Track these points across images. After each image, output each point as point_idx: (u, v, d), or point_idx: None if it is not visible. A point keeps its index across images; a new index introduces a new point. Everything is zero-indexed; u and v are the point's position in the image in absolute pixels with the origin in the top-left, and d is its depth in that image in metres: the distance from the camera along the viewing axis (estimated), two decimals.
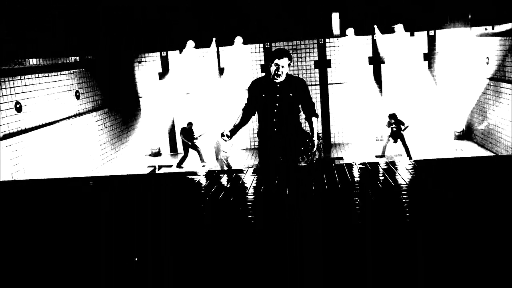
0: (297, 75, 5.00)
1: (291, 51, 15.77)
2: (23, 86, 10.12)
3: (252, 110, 4.92)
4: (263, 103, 4.74)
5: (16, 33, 9.99)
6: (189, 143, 14.05)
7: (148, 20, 15.35)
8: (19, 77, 10.01)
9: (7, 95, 9.60)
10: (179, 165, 14.30)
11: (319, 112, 15.51)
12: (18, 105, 9.89)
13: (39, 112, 10.61)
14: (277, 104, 4.66)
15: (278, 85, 4.67)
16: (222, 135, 4.83)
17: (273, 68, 4.60)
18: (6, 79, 9.62)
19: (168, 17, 15.41)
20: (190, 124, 14.10)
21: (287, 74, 4.69)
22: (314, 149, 4.77)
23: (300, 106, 4.84)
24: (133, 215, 4.24)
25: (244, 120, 4.94)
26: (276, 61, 4.56)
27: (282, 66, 4.56)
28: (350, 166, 5.50)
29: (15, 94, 9.84)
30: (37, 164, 10.22)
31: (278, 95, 4.66)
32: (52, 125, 11.05)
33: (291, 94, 4.67)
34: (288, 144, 4.80)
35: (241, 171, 5.62)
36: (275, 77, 4.62)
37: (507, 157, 10.07)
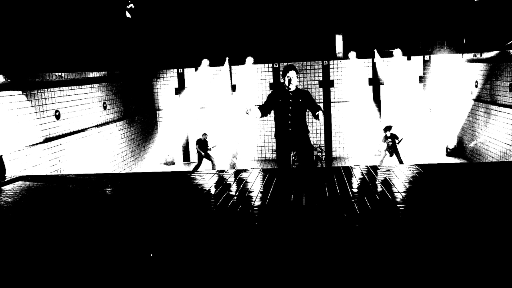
0: (306, 89, 6.85)
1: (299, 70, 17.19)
2: (61, 96, 11.48)
3: (267, 109, 6.39)
4: (280, 107, 6.25)
5: (56, 49, 11.41)
6: (203, 153, 15.32)
7: (167, 39, 16.84)
8: (58, 88, 11.38)
9: (48, 104, 10.96)
10: (192, 172, 15.53)
11: (322, 126, 16.87)
12: (57, 113, 11.24)
13: (74, 119, 11.96)
14: (290, 108, 6.19)
15: (290, 94, 6.23)
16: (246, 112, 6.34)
17: (286, 80, 6.22)
18: (48, 90, 10.98)
19: (186, 37, 16.89)
20: (205, 135, 15.40)
21: (296, 86, 6.28)
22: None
23: (307, 110, 6.34)
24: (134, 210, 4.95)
25: (257, 112, 6.37)
26: (288, 73, 6.18)
27: (292, 78, 6.18)
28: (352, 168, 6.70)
29: (55, 103, 11.20)
30: (70, 165, 11.53)
31: (291, 101, 6.22)
32: (84, 131, 12.38)
33: (300, 100, 6.24)
34: (299, 142, 6.33)
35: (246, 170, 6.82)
36: (289, 86, 6.19)
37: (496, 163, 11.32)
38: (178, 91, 17.54)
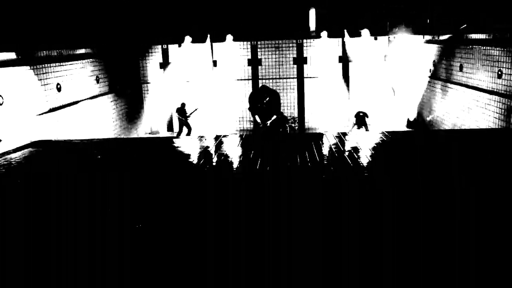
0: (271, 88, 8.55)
1: (273, 48, 18.61)
2: (61, 71, 12.72)
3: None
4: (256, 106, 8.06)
5: (54, 27, 12.61)
6: (183, 119, 16.82)
7: (153, 16, 17.98)
8: (59, 63, 12.60)
9: (51, 77, 12.20)
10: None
11: (295, 100, 18.42)
12: (58, 86, 12.49)
13: (72, 92, 13.22)
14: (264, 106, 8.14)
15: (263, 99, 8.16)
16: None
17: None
18: (50, 65, 12.21)
19: (170, 14, 18.04)
20: (183, 104, 16.92)
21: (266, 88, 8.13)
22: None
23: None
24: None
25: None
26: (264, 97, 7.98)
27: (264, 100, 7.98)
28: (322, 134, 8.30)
29: (56, 77, 12.45)
30: (71, 133, 12.85)
31: (263, 101, 8.28)
32: (80, 102, 13.66)
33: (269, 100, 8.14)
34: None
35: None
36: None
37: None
38: (163, 66, 18.78)
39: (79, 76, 13.75)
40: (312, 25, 18.41)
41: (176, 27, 18.13)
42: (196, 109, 17.00)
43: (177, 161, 6.01)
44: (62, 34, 13.03)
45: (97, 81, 14.94)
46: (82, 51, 14.09)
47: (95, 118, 14.59)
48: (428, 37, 16.83)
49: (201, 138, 7.94)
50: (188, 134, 16.96)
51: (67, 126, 12.76)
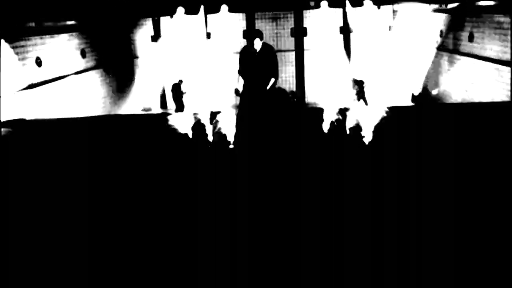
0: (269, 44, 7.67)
1: (270, 19, 17.62)
2: (42, 44, 11.80)
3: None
4: (246, 65, 7.11)
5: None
6: (178, 96, 16.02)
7: None
8: (39, 36, 11.68)
9: (30, 51, 11.30)
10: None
11: (294, 74, 17.52)
12: (39, 60, 11.59)
13: (55, 67, 12.32)
14: (255, 66, 7.11)
15: (256, 54, 7.10)
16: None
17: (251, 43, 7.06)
18: (29, 38, 11.29)
19: None
20: (180, 81, 16.04)
21: (263, 44, 7.12)
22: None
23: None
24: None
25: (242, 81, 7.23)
26: (253, 41, 7.02)
27: (255, 44, 7.06)
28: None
29: (36, 51, 11.54)
30: (53, 111, 12.00)
31: (255, 59, 7.08)
32: (64, 78, 12.77)
33: (265, 58, 7.13)
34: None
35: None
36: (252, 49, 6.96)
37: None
38: (154, 38, 17.80)
39: (63, 50, 12.84)
40: None
41: None
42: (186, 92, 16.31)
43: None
44: (43, 5, 12.06)
45: (83, 56, 14.02)
46: (66, 23, 13.13)
47: (81, 95, 13.72)
48: (435, 6, 15.83)
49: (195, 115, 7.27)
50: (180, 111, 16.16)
51: (49, 103, 11.90)
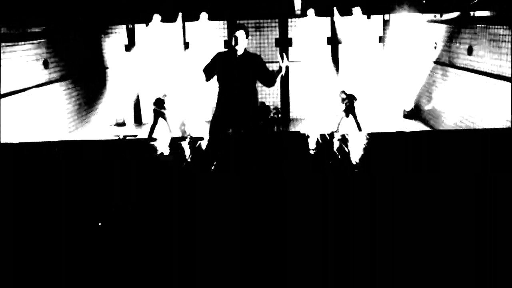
0: (255, 52, 5.81)
1: (254, 28, 16.45)
2: None
3: (209, 74, 5.51)
4: (224, 72, 5.42)
5: None
6: (161, 111, 14.58)
7: None
8: None
9: None
10: (149, 136, 14.86)
11: (278, 88, 16.33)
12: None
13: (8, 79, 10.97)
14: (235, 72, 5.35)
15: (237, 56, 5.38)
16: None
17: (233, 40, 5.37)
18: None
19: None
20: (164, 96, 14.61)
21: (245, 50, 5.41)
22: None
23: (259, 78, 5.53)
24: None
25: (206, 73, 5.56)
26: (235, 34, 5.31)
27: (239, 38, 5.29)
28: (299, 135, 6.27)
29: None
30: (4, 131, 10.64)
31: (237, 64, 5.36)
32: (21, 93, 11.43)
33: (247, 64, 5.38)
34: (243, 117, 5.51)
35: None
36: (235, 46, 5.32)
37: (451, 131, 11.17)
38: (128, 48, 16.55)
39: (19, 60, 11.49)
40: (298, 2, 16.29)
41: (143, 4, 15.87)
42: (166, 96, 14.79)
43: None
44: None
45: (46, 66, 12.68)
46: (26, 30, 11.81)
47: (43, 110, 12.37)
48: (429, 16, 14.82)
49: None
50: (169, 130, 14.84)
51: (4, 121, 10.54)
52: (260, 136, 5.57)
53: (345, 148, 5.30)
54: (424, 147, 5.37)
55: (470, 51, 12.27)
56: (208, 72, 5.53)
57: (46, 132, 12.38)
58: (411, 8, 15.70)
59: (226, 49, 5.61)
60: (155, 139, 6.43)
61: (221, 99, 5.57)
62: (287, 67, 5.39)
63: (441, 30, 14.08)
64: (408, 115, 16.32)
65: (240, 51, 5.37)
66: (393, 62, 16.42)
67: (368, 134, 6.12)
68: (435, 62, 14.51)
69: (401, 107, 16.48)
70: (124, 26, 16.44)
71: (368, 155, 5.08)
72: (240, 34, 5.31)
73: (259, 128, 5.70)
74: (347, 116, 14.30)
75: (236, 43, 5.30)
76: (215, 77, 5.58)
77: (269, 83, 5.55)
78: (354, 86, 15.79)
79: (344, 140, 5.74)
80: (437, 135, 7.56)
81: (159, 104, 14.60)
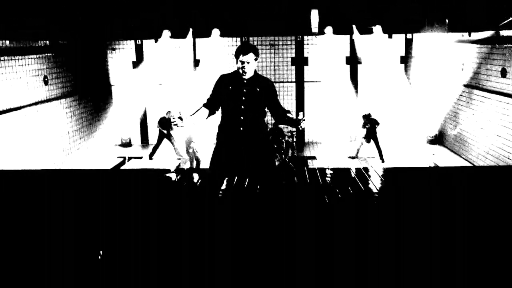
0: (263, 75, 4.75)
1: (268, 46, 15.58)
2: None
3: (214, 105, 4.67)
4: (229, 97, 4.52)
5: None
6: (165, 132, 13.75)
7: (123, 6, 14.93)
8: None
9: None
10: (150, 156, 14.01)
11: (294, 109, 15.38)
12: None
13: (4, 97, 10.16)
14: (243, 98, 4.45)
15: (245, 81, 4.48)
16: (180, 118, 4.55)
17: (238, 65, 4.43)
18: None
19: (145, 4, 15.01)
20: (169, 113, 13.77)
21: (255, 72, 4.54)
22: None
23: (267, 108, 4.65)
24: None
25: (202, 114, 4.68)
26: (241, 57, 4.38)
27: (248, 63, 4.38)
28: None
29: None
30: (4, 151, 9.79)
31: (245, 90, 4.46)
32: (17, 111, 10.60)
33: (258, 89, 4.48)
34: (253, 146, 4.57)
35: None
36: (242, 74, 4.44)
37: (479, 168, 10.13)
38: (136, 64, 15.75)
39: (16, 76, 10.68)
40: (315, 20, 15.45)
41: (153, 19, 15.09)
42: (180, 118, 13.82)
43: None
44: None
45: (46, 83, 11.88)
46: (25, 44, 11.04)
47: (43, 129, 11.52)
48: (457, 36, 13.85)
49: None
50: (177, 153, 13.96)
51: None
52: (272, 181, 4.44)
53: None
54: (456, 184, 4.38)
55: (503, 73, 11.26)
56: (213, 102, 4.65)
57: (44, 154, 11.50)
58: (435, 27, 14.81)
59: (233, 71, 4.64)
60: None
61: (224, 131, 4.66)
62: (299, 123, 4.34)
63: (470, 51, 13.10)
64: (433, 140, 15.27)
65: (248, 75, 4.48)
66: (416, 84, 15.43)
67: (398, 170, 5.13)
68: (463, 84, 13.50)
69: (425, 132, 15.42)
70: (132, 42, 15.66)
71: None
72: (249, 57, 4.39)
73: (271, 168, 4.70)
74: (368, 141, 13.32)
75: (244, 71, 4.42)
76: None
77: (277, 119, 4.63)
78: (375, 109, 14.80)
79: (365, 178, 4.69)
80: (472, 172, 6.48)
81: (164, 124, 13.74)
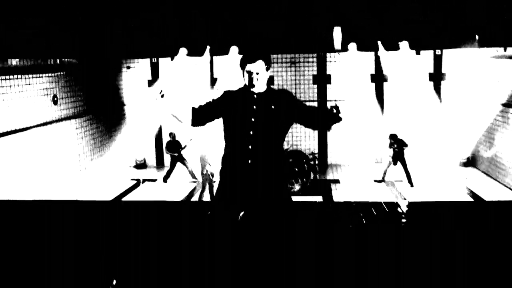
0: (284, 88, 3.75)
1: (288, 64, 14.90)
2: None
3: (205, 116, 3.69)
4: (234, 118, 3.52)
5: None
6: (176, 155, 13.14)
7: (138, 23, 14.43)
8: None
9: None
10: (165, 179, 13.38)
11: (316, 131, 14.60)
12: None
13: (10, 116, 9.61)
14: (253, 120, 3.44)
15: (255, 96, 3.52)
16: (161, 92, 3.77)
17: (246, 77, 3.52)
18: None
19: (161, 22, 14.50)
20: (172, 134, 13.21)
21: (268, 86, 3.58)
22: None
23: (303, 123, 3.65)
24: None
25: (184, 113, 3.78)
26: (248, 66, 3.48)
27: (257, 73, 3.45)
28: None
29: None
30: (7, 174, 9.20)
31: (255, 107, 3.47)
32: (24, 131, 10.05)
33: (273, 107, 3.46)
34: (265, 190, 3.47)
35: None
36: (251, 86, 3.49)
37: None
38: (152, 83, 15.19)
39: (24, 95, 10.15)
40: (338, 36, 14.76)
41: (169, 37, 14.55)
42: (189, 142, 13.21)
43: None
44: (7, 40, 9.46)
45: (55, 102, 11.33)
46: (34, 62, 10.54)
47: (50, 152, 10.94)
48: (491, 51, 12.96)
49: None
50: (192, 175, 13.30)
51: (7, 161, 9.13)
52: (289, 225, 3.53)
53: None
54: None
55: None
56: (205, 112, 3.67)
57: (53, 177, 10.90)
58: (466, 43, 13.99)
59: (239, 88, 3.69)
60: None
61: (229, 164, 3.57)
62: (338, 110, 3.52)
63: (506, 67, 12.20)
64: (466, 163, 14.30)
65: (259, 89, 3.53)
66: (447, 103, 14.52)
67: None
68: (500, 103, 12.57)
69: (458, 154, 14.45)
70: (148, 60, 15.14)
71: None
72: (258, 66, 3.46)
73: (289, 211, 3.58)
74: (395, 163, 12.45)
75: (251, 83, 3.48)
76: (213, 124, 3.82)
77: (319, 125, 3.69)
78: (402, 129, 13.93)
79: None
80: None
81: (171, 147, 13.13)
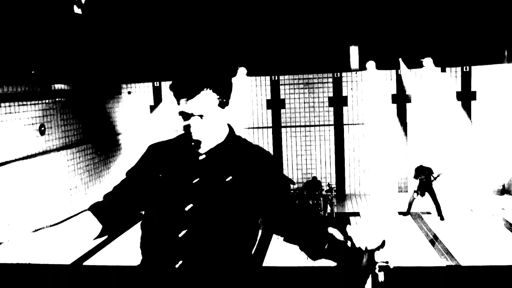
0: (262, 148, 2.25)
1: (302, 85, 13.79)
2: None
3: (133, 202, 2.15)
4: (160, 201, 2.03)
5: None
6: None
7: (139, 45, 13.49)
8: None
9: None
10: None
11: (332, 156, 13.43)
12: None
13: None
14: (192, 205, 1.96)
15: (199, 159, 2.04)
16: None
17: (180, 122, 1.97)
18: None
19: (163, 43, 13.56)
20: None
21: (230, 134, 2.15)
22: None
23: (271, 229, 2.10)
24: None
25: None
26: (182, 104, 1.97)
27: (200, 116, 1.98)
28: None
29: None
30: None
31: (195, 181, 2.00)
32: (8, 164, 9.05)
33: (228, 179, 1.99)
34: None
35: None
36: (192, 145, 2.02)
37: None
38: (154, 108, 14.17)
39: (7, 125, 9.16)
40: (354, 54, 13.69)
41: (173, 58, 13.58)
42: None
43: None
44: None
45: (42, 133, 10.31)
46: (18, 88, 9.58)
47: (36, 186, 9.89)
48: None
49: None
50: None
51: None
52: None
53: None
54: None
55: None
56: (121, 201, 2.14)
57: (40, 213, 9.82)
58: (495, 58, 12.83)
59: (176, 136, 2.17)
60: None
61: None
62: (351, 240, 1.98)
63: None
64: (501, 191, 12.94)
65: (206, 145, 2.03)
66: (478, 124, 13.24)
67: None
68: None
69: (492, 181, 13.11)
70: (150, 84, 14.16)
71: None
72: (200, 102, 1.97)
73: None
74: (422, 195, 11.12)
75: (191, 137, 1.99)
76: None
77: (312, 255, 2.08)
78: (428, 155, 12.67)
79: None
80: None
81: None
